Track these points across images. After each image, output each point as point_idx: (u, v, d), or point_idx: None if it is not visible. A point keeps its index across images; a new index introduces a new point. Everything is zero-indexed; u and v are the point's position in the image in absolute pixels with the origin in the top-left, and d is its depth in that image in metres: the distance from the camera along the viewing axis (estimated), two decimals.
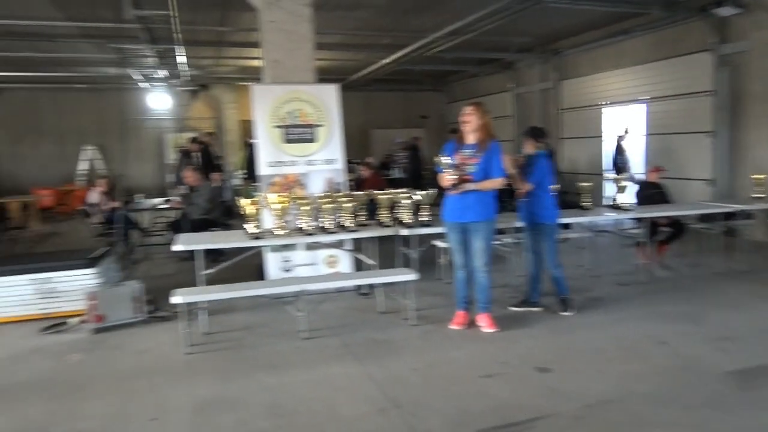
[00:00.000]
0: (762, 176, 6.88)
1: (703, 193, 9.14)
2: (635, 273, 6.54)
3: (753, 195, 6.82)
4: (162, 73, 13.93)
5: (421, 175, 13.53)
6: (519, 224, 5.44)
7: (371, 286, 5.72)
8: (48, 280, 5.37)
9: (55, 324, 5.15)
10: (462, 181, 4.58)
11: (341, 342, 4.62)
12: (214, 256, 7.29)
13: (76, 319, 5.15)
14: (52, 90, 16.07)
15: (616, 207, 6.23)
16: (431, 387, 3.74)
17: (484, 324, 4.76)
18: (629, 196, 6.42)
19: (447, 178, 4.61)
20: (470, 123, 4.67)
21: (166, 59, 12.20)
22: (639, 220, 6.45)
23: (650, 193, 6.92)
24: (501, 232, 6.02)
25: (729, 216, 6.77)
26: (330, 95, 6.26)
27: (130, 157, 16.49)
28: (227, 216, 9.24)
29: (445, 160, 4.62)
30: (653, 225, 6.55)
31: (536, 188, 5.07)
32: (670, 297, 5.65)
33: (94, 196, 8.57)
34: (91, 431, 3.32)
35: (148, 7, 7.90)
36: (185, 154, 11.27)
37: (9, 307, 5.33)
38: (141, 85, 15.63)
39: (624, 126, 11.18)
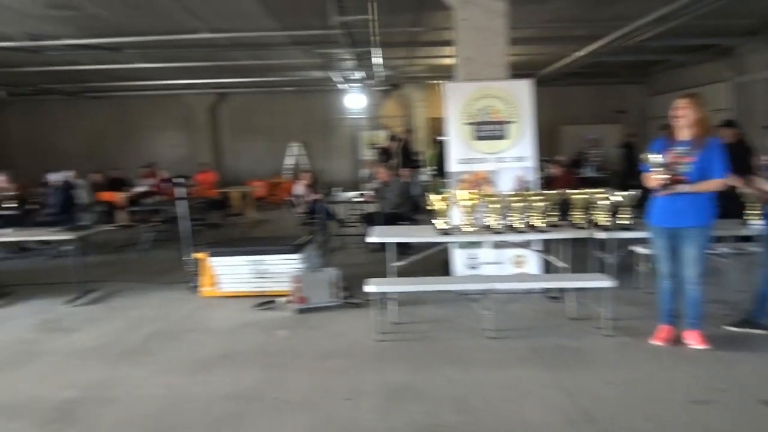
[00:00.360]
0: None
1: None
2: None
3: None
4: (359, 74, 14.80)
5: (633, 176, 12.51)
6: (747, 233, 4.76)
7: (562, 290, 5.44)
8: (261, 262, 6.02)
9: (266, 302, 5.76)
10: (674, 181, 4.10)
11: (529, 345, 4.46)
12: (401, 248, 7.56)
13: (283, 299, 5.70)
14: (265, 93, 18.09)
15: None
16: (630, 406, 3.42)
17: (693, 341, 4.24)
18: None
19: (655, 177, 4.16)
20: (684, 117, 4.13)
21: (363, 61, 12.92)
22: None
23: None
24: (718, 240, 5.31)
25: None
26: (522, 91, 6.09)
27: (330, 153, 17.92)
28: (415, 211, 9.52)
29: (653, 157, 4.18)
30: None
31: None
32: None
33: (299, 188, 9.43)
34: (295, 401, 3.62)
35: (350, 13, 8.42)
36: (383, 151, 11.85)
37: (232, 283, 6.10)
38: (340, 86, 16.80)
39: None
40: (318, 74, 15.26)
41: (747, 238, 5.30)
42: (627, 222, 4.97)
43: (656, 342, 4.33)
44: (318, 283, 5.52)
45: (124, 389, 3.87)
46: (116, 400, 3.71)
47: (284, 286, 5.75)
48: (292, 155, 18.10)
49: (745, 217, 4.99)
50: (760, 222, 4.76)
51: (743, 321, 4.61)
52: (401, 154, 11.66)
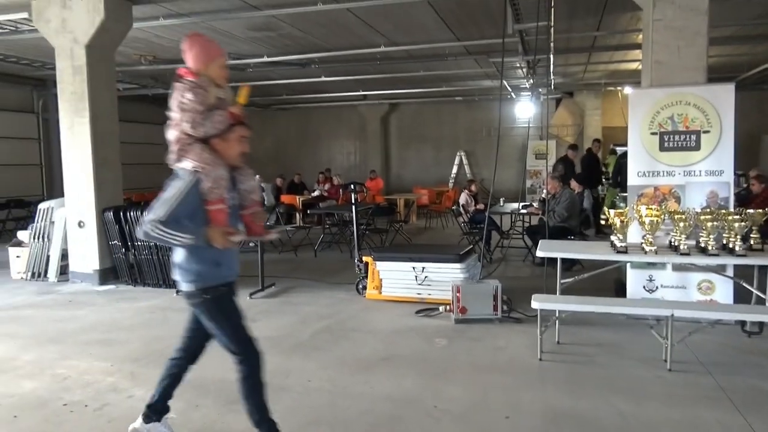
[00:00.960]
0: None
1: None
2: None
3: None
4: (530, 82, 14.45)
5: None
6: None
7: (761, 324, 4.75)
8: (425, 270, 6.14)
9: (427, 308, 5.86)
10: None
11: (716, 383, 3.96)
12: (567, 264, 7.22)
13: (443, 307, 5.75)
14: (434, 103, 18.48)
15: None
16: None
17: None
18: None
19: None
20: None
21: (536, 69, 12.59)
22: None
23: None
24: None
25: None
26: (722, 97, 5.44)
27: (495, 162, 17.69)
28: (585, 225, 9.01)
29: None
30: None
31: None
32: None
33: (463, 197, 9.44)
34: (455, 412, 3.61)
35: (528, 20, 8.25)
36: (563, 160, 11.42)
37: (395, 288, 6.31)
38: (509, 95, 16.54)
39: None
40: (488, 83, 15.21)
41: None
42: None
43: None
44: (479, 294, 5.47)
45: (295, 380, 4.19)
46: (288, 389, 4.02)
47: (445, 295, 5.79)
48: (457, 164, 18.23)
49: None
50: None
51: None
52: (587, 166, 11.12)
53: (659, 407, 3.61)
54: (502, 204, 10.09)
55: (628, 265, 5.47)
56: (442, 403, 3.75)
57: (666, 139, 5.55)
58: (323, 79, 13.48)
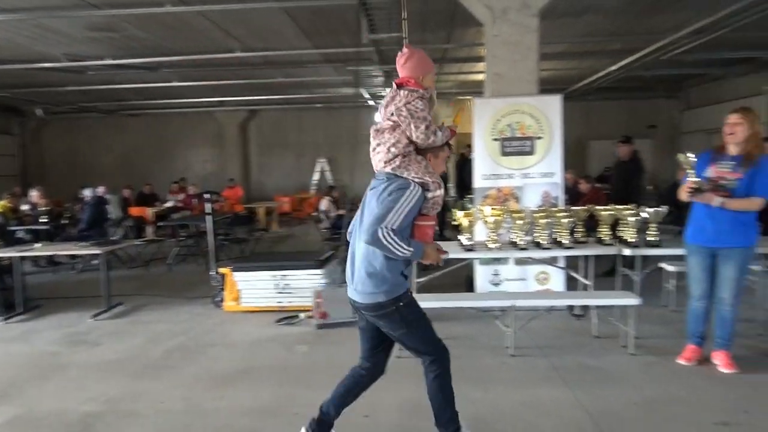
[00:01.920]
0: None
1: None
2: None
3: None
4: (387, 90, 14.98)
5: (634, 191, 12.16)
6: None
7: (586, 308, 5.39)
8: (284, 277, 6.13)
9: (288, 317, 5.85)
10: (714, 191, 3.98)
11: (550, 364, 4.42)
12: (424, 264, 7.60)
13: (304, 314, 5.78)
14: (295, 110, 18.46)
15: None
16: (653, 426, 3.37)
17: (721, 363, 4.15)
18: None
19: (688, 185, 4.04)
20: (736, 134, 4.00)
21: (393, 77, 13.09)
22: None
23: None
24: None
25: None
26: (551, 107, 6.09)
27: (356, 168, 18.08)
28: (442, 227, 9.53)
29: (690, 158, 4.04)
30: None
31: None
32: None
33: (324, 203, 9.56)
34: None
35: (382, 31, 8.57)
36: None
37: (255, 298, 6.21)
38: (368, 102, 17.02)
39: None
40: (348, 91, 15.52)
41: None
42: (655, 239, 4.91)
43: (682, 361, 4.25)
44: (340, 298, 5.55)
45: (145, 403, 3.98)
46: (137, 414, 3.81)
47: (307, 302, 5.83)
48: (319, 171, 18.37)
49: None
50: None
51: None
52: (458, 171, 11.70)
53: (504, 391, 3.96)
54: None
55: (476, 261, 5.91)
56: (303, 409, 3.78)
57: (506, 145, 6.09)
58: (175, 84, 12.88)
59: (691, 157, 4.05)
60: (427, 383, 2.98)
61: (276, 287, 6.14)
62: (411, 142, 2.79)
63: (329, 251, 6.87)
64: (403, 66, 2.88)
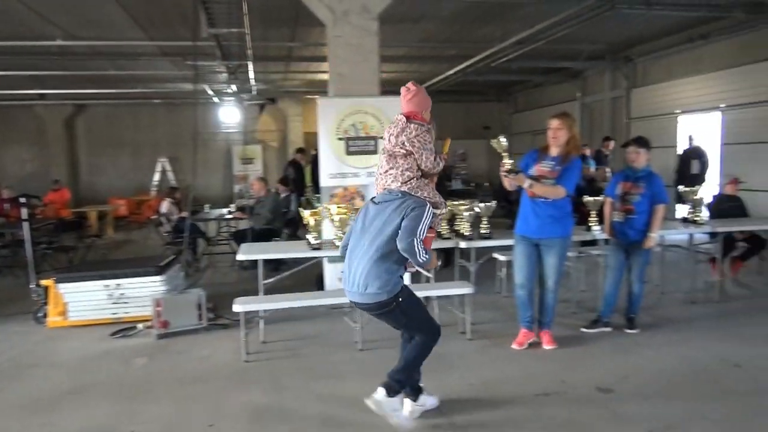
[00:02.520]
0: None
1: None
2: (708, 291, 6.21)
3: None
4: (232, 87, 14.52)
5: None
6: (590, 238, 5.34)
7: (427, 299, 5.70)
8: (119, 286, 5.68)
9: (125, 328, 5.44)
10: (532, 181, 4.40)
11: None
12: (276, 265, 7.51)
13: (142, 324, 5.42)
14: (131, 105, 17.13)
15: (689, 221, 5.93)
16: (486, 404, 3.67)
17: (545, 341, 4.64)
18: (703, 209, 6.10)
19: (502, 167, 4.41)
20: (558, 138, 4.45)
21: (237, 74, 12.73)
22: (713, 234, 6.10)
23: (727, 206, 6.55)
24: None
25: None
26: (393, 108, 6.31)
27: (200, 168, 17.25)
28: (294, 227, 9.47)
29: (502, 142, 4.36)
30: (729, 240, 6.19)
31: (643, 205, 4.90)
32: (745, 317, 5.34)
33: (165, 205, 9.01)
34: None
35: (223, 25, 8.27)
36: (291, 164, 11.58)
37: (84, 311, 5.67)
38: (212, 99, 16.36)
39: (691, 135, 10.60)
40: (189, 87, 14.76)
41: (589, 243, 5.92)
42: (487, 232, 5.34)
43: (515, 346, 4.65)
44: (182, 305, 5.31)
45: None
46: None
47: (145, 311, 5.47)
48: (159, 171, 17.25)
49: (588, 224, 5.57)
50: (599, 228, 5.36)
51: (594, 321, 5.11)
52: (294, 172, 11.61)
53: (353, 385, 4.05)
54: (207, 210, 9.94)
55: (326, 259, 5.97)
56: (141, 425, 3.55)
57: (351, 144, 6.21)
58: None
59: (503, 140, 4.37)
60: (412, 342, 3.45)
61: (110, 297, 5.67)
62: (419, 167, 3.33)
63: (171, 256, 6.50)
64: (409, 101, 3.41)
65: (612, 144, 10.88)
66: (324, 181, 6.19)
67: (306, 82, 15.53)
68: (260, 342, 4.98)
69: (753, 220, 6.62)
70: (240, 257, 5.17)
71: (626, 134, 12.42)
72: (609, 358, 4.41)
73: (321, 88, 15.15)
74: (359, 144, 6.23)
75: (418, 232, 3.11)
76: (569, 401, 3.67)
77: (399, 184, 3.28)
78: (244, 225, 8.58)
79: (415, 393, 3.59)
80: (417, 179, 3.32)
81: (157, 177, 17.21)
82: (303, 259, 5.47)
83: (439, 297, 5.22)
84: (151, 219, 9.39)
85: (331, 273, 6.13)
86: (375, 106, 6.24)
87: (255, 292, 5.13)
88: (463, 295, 5.01)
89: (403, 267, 3.28)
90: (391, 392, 3.35)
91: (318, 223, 5.26)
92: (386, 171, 3.35)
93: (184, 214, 8.66)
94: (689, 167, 9.97)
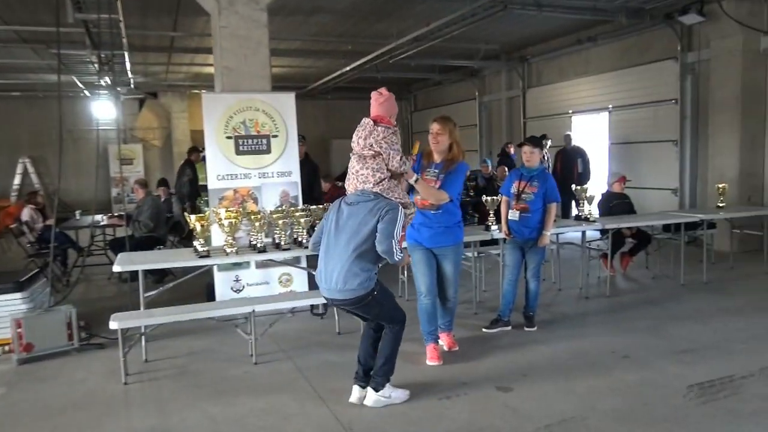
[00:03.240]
0: (724, 185, 7.19)
1: (669, 203, 9.44)
2: (600, 286, 6.71)
3: (717, 204, 7.10)
4: (106, 80, 13.69)
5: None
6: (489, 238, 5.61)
7: (326, 306, 5.69)
8: None
9: None
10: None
11: (294, 366, 4.56)
12: (158, 276, 7.18)
13: (0, 349, 4.96)
14: None
15: (581, 218, 6.37)
16: (387, 413, 3.71)
17: (446, 343, 4.78)
18: (593, 206, 6.57)
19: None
20: (439, 143, 4.48)
21: (112, 65, 12.01)
22: (603, 231, 6.60)
23: (615, 204, 7.11)
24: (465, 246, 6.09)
25: (693, 226, 7.00)
26: (286, 104, 6.24)
27: (70, 170, 16.03)
28: (176, 233, 9.09)
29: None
30: (618, 236, 6.71)
31: (537, 204, 5.14)
32: (634, 310, 5.81)
33: (26, 212, 8.32)
34: None
35: (92, 10, 7.76)
36: (188, 163, 11.05)
37: None
38: (83, 93, 15.32)
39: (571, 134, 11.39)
40: (54, 78, 13.71)
41: (489, 242, 6.18)
42: None
43: (435, 362, 4.49)
44: (48, 324, 4.91)
45: None
46: None
47: (3, 333, 5.00)
48: (20, 173, 15.86)
49: (487, 223, 5.82)
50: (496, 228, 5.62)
51: (494, 321, 5.32)
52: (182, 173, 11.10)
53: (247, 401, 3.95)
54: (78, 217, 9.30)
55: (215, 268, 5.79)
56: None
57: (241, 143, 6.06)
58: None
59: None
60: (383, 337, 3.78)
61: None
62: (387, 168, 3.67)
63: (35, 269, 6.00)
64: (381, 104, 3.78)
65: (512, 147, 11.43)
66: (212, 183, 6.00)
67: (191, 75, 15.00)
68: (142, 361, 4.73)
69: (640, 216, 7.25)
70: (117, 268, 4.89)
71: (523, 134, 13.14)
72: (508, 357, 4.62)
73: (209, 82, 14.69)
74: (250, 143, 6.10)
75: (395, 234, 3.47)
76: (470, 403, 3.80)
77: (371, 185, 3.62)
78: (122, 232, 8.11)
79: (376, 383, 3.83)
80: (388, 180, 3.68)
81: (17, 180, 15.82)
82: (190, 269, 5.26)
83: None
84: (11, 228, 8.62)
85: (221, 282, 5.96)
86: (266, 103, 6.15)
87: (136, 307, 4.87)
88: None
89: (377, 264, 3.61)
90: (380, 387, 3.77)
91: (206, 229, 5.09)
92: (357, 171, 3.69)
93: (50, 221, 8.05)
94: (576, 166, 10.60)
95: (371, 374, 3.80)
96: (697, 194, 9.52)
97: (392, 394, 3.82)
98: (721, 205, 7.10)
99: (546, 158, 10.75)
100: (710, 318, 5.42)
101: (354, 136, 3.75)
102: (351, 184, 3.73)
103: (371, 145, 3.66)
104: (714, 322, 5.28)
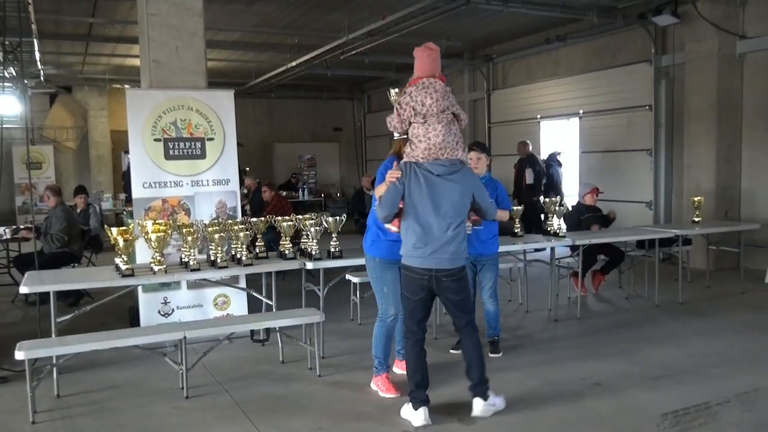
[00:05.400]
0: (700, 198, 7.53)
1: (643, 217, 9.79)
2: (570, 307, 6.92)
3: (693, 219, 7.43)
4: (11, 71, 13.30)
5: None
6: None
7: (269, 331, 5.67)
8: None
9: None
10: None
11: (231, 400, 4.53)
12: (74, 298, 7.01)
13: None
14: None
15: (550, 233, 6.55)
16: None
17: (401, 369, 4.81)
18: (562, 220, 6.79)
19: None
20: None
21: (18, 54, 11.68)
22: (574, 247, 6.80)
23: (586, 217, 7.35)
24: None
25: (669, 242, 7.29)
26: (223, 103, 6.22)
27: None
28: (95, 247, 8.89)
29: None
30: (589, 253, 6.93)
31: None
32: (606, 333, 6.02)
33: None
34: None
35: None
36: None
37: None
38: None
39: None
40: None
41: None
42: (337, 250, 5.41)
43: (389, 395, 4.52)
44: None
45: None
46: None
47: None
48: None
49: None
50: None
51: (459, 343, 5.40)
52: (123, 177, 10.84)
53: None
54: None
55: (140, 288, 5.69)
56: None
57: (171, 147, 6.01)
58: None
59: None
60: (470, 342, 4.07)
61: None
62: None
63: None
64: (434, 60, 3.97)
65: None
66: (137, 191, 5.92)
67: (113, 68, 14.75)
68: (54, 397, 4.61)
69: (612, 231, 7.50)
70: (24, 289, 4.76)
71: (488, 140, 13.42)
72: None
73: (133, 76, 14.46)
74: (182, 146, 6.06)
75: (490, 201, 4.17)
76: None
77: (460, 153, 3.92)
78: (30, 247, 7.87)
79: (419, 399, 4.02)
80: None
81: None
82: (111, 289, 5.16)
83: (282, 328, 5.21)
84: None
85: (147, 305, 5.87)
86: (201, 101, 6.12)
87: (46, 334, 4.74)
88: (311, 324, 5.06)
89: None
90: (486, 395, 4.03)
91: (129, 244, 5.01)
92: (444, 139, 3.82)
93: None
94: (524, 176, 10.81)
95: (476, 385, 4.04)
96: (673, 208, 9.91)
97: (495, 401, 4.11)
98: (696, 219, 7.42)
99: (551, 172, 11.01)
100: (686, 341, 5.66)
101: (425, 99, 3.83)
102: (433, 153, 3.84)
103: (448, 108, 3.86)
104: (690, 346, 5.51)
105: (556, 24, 11.04)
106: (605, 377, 4.78)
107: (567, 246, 6.77)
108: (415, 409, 3.95)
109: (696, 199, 7.54)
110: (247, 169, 11.63)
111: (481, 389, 4.03)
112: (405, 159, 3.99)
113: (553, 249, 6.56)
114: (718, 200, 8.75)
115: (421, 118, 3.83)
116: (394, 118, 4.03)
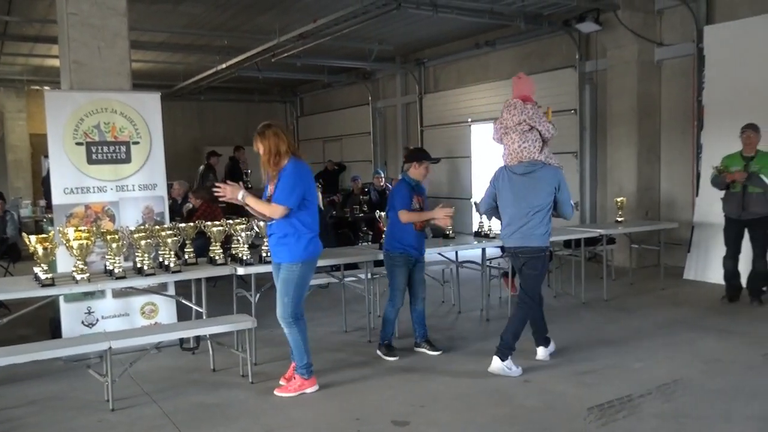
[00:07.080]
0: (622, 199, 7.86)
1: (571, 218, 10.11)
2: (501, 307, 7.07)
3: (616, 219, 7.74)
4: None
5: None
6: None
7: (198, 339, 5.56)
8: None
9: None
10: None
11: (160, 410, 4.42)
12: None
13: None
14: None
15: (481, 235, 6.68)
16: None
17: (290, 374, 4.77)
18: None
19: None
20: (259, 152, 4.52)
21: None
22: (504, 249, 6.95)
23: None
24: (353, 267, 6.20)
25: (594, 241, 7.56)
26: (149, 106, 6.06)
27: None
28: (12, 256, 8.55)
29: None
30: None
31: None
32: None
33: None
34: None
35: None
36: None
37: None
38: None
39: None
40: None
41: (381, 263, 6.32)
42: (268, 255, 5.34)
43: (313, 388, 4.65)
44: None
45: None
46: None
47: None
48: None
49: (381, 242, 5.95)
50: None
51: (388, 347, 5.46)
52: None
53: None
54: None
55: (62, 298, 5.48)
56: None
57: (94, 151, 5.81)
58: None
59: None
60: (516, 312, 5.07)
61: None
62: (541, 137, 4.92)
63: None
64: (521, 87, 5.12)
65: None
66: (58, 197, 5.70)
67: (30, 68, 14.19)
68: None
69: None
70: None
71: (420, 143, 13.57)
72: (407, 387, 4.75)
73: (53, 77, 13.91)
74: (105, 150, 5.88)
75: (570, 195, 5.03)
76: None
77: (537, 154, 4.84)
78: None
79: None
80: (545, 147, 4.93)
81: None
82: (30, 300, 4.95)
83: (213, 335, 5.11)
84: None
85: (69, 315, 5.65)
86: (125, 104, 5.95)
87: None
88: (243, 331, 4.99)
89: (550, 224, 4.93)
90: (502, 356, 4.86)
91: (49, 252, 4.80)
92: (520, 146, 4.84)
93: None
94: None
95: (498, 345, 4.90)
96: (597, 208, 10.29)
97: (512, 367, 4.86)
98: (620, 219, 7.74)
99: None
100: (611, 336, 5.88)
101: (505, 113, 4.96)
102: (514, 157, 4.89)
103: (524, 121, 4.84)
104: (614, 341, 5.72)
105: (486, 29, 11.28)
106: (534, 374, 4.91)
107: (497, 247, 6.91)
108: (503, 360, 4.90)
109: (619, 199, 7.87)
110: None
111: (499, 350, 4.88)
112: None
113: (484, 250, 6.69)
114: (640, 200, 9.13)
115: (504, 130, 4.96)
116: (494, 132, 5.13)
